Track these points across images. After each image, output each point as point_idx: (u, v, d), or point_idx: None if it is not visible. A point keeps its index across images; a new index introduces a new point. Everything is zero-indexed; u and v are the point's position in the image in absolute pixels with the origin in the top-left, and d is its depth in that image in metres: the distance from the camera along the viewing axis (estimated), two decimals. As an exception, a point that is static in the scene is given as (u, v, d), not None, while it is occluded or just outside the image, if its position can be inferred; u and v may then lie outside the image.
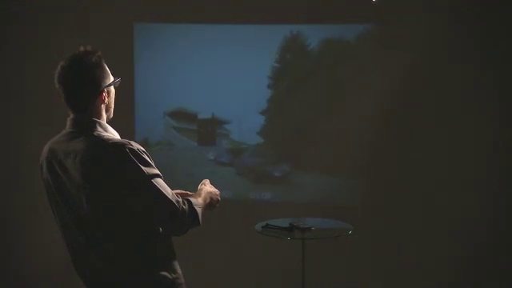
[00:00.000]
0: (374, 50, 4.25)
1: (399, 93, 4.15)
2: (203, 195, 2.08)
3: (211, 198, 2.12)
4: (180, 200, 1.90)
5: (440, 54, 4.18)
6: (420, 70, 4.13)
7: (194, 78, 4.52)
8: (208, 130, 4.60)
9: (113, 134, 1.96)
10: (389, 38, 4.17)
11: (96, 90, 1.92)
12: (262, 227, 2.88)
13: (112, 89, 2.01)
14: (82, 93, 1.91)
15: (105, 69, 1.96)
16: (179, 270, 2.01)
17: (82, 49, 1.93)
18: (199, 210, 1.95)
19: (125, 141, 1.87)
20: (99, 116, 1.95)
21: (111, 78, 1.99)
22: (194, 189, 2.15)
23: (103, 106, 1.96)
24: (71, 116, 1.95)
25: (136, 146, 1.87)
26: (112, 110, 2.03)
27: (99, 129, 1.92)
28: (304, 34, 4.46)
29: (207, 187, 2.16)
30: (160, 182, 1.87)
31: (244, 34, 4.48)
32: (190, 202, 1.93)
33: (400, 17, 4.12)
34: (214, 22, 4.41)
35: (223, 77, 4.48)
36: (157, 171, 1.88)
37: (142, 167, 1.83)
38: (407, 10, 4.12)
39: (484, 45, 4.09)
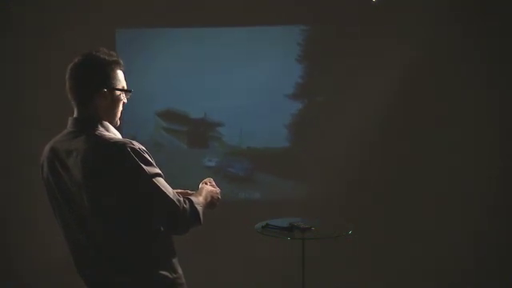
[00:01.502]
0: (374, 51, 4.25)
1: (399, 93, 4.16)
2: (204, 194, 2.08)
3: (212, 197, 2.12)
4: (181, 199, 1.90)
5: (440, 54, 4.18)
6: (420, 70, 4.14)
7: (185, 79, 4.45)
8: (200, 130, 4.53)
9: (114, 134, 1.96)
10: (388, 38, 4.17)
11: (101, 87, 1.92)
12: (262, 227, 2.88)
13: (121, 97, 1.99)
14: (87, 89, 1.92)
15: (115, 71, 1.96)
16: (180, 270, 2.01)
17: (98, 48, 1.94)
18: (200, 209, 1.95)
19: (126, 140, 1.87)
20: (102, 116, 1.95)
21: (123, 84, 1.98)
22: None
23: (107, 106, 1.95)
24: (74, 115, 1.95)
25: (137, 145, 1.87)
26: (117, 118, 2.01)
27: (101, 128, 1.92)
28: (305, 36, 4.46)
29: (208, 186, 2.17)
30: (161, 181, 1.87)
31: (235, 36, 4.45)
32: (191, 201, 1.94)
33: (400, 16, 4.13)
34: (203, 25, 4.39)
35: (216, 79, 4.44)
36: (158, 170, 1.89)
37: (144, 166, 1.83)
38: (407, 10, 4.13)
39: (484, 44, 4.10)
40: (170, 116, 4.53)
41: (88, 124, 1.92)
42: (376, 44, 4.21)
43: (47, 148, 1.98)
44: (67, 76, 1.93)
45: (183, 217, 1.89)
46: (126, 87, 2.00)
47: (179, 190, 2.03)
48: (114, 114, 1.99)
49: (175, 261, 2.01)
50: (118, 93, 1.97)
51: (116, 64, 1.96)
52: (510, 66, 4.11)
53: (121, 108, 2.01)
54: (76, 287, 2.07)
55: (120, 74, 1.98)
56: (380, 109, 4.19)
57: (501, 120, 4.14)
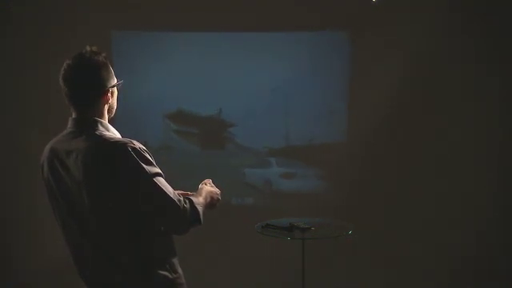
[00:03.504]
0: (374, 51, 4.25)
1: (399, 93, 4.16)
2: (204, 194, 2.08)
3: (212, 198, 2.12)
4: (181, 199, 1.90)
5: (439, 54, 4.18)
6: (419, 70, 4.14)
7: (193, 81, 4.46)
8: (214, 129, 4.48)
9: (114, 134, 1.96)
10: (388, 38, 4.17)
11: (102, 89, 1.93)
12: (262, 227, 2.88)
13: (115, 90, 2.01)
14: (88, 92, 1.92)
15: (110, 69, 1.97)
16: (180, 270, 2.01)
17: (88, 48, 1.93)
18: (200, 209, 1.95)
19: (126, 140, 1.87)
20: (101, 115, 1.95)
21: (115, 79, 1.99)
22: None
23: (107, 105, 1.97)
24: (73, 115, 1.95)
25: (138, 144, 1.87)
26: (114, 110, 2.03)
27: (101, 128, 1.92)
28: (306, 38, 4.45)
29: (208, 187, 2.17)
30: (161, 181, 1.87)
31: (236, 40, 4.48)
32: (191, 201, 1.94)
33: (400, 16, 4.13)
34: (206, 30, 4.39)
35: (224, 80, 4.44)
36: (158, 170, 1.88)
37: (144, 166, 1.83)
38: (407, 10, 4.13)
39: (484, 44, 4.10)
40: (181, 117, 4.49)
41: (88, 124, 1.92)
42: (376, 44, 4.21)
43: (47, 148, 1.98)
44: (62, 80, 1.91)
45: (183, 217, 1.89)
46: (115, 78, 2.00)
47: (180, 192, 2.03)
48: (113, 108, 2.02)
49: (175, 261, 2.01)
50: (114, 88, 1.99)
51: (107, 62, 1.96)
52: (509, 66, 4.11)
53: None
54: (76, 287, 2.07)
55: (111, 69, 1.98)
56: (380, 109, 4.19)
57: (501, 120, 4.14)
